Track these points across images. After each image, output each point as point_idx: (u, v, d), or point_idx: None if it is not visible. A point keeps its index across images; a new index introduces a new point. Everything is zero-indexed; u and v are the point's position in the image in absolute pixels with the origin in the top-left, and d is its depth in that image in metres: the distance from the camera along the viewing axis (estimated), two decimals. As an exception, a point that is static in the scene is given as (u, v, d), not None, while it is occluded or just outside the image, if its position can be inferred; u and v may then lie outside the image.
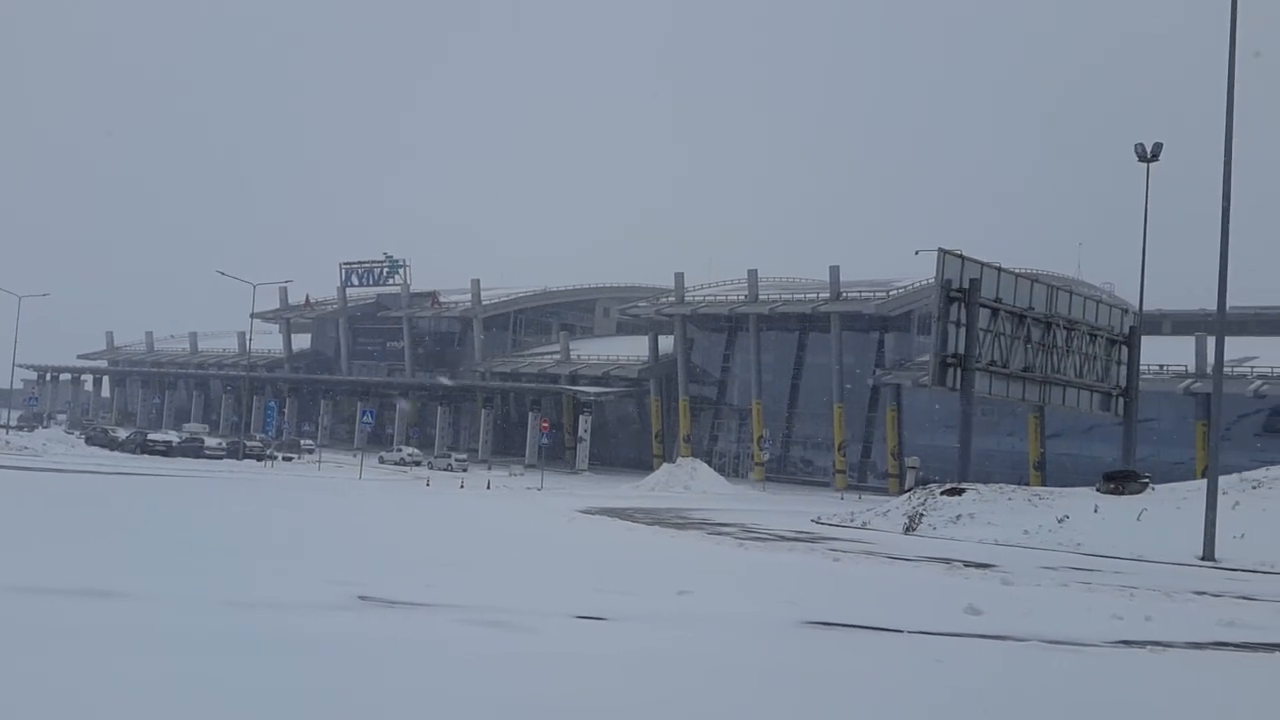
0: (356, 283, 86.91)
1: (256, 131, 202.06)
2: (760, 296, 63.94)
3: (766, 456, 60.75)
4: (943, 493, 30.04)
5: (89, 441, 57.47)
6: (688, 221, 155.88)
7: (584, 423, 65.64)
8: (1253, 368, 49.92)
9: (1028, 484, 42.43)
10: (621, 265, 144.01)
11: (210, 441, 57.40)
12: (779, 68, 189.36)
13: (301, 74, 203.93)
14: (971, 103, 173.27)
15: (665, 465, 55.55)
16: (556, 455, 68.50)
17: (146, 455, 50.11)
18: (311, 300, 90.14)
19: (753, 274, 64.39)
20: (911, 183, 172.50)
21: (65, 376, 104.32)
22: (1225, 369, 25.96)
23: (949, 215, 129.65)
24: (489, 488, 43.40)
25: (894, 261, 58.54)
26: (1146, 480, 29.58)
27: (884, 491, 53.67)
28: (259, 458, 54.38)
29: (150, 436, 56.04)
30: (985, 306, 34.45)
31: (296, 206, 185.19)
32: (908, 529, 28.00)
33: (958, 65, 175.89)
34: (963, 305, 33.49)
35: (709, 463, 58.45)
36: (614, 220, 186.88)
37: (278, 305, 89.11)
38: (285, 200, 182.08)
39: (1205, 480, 23.77)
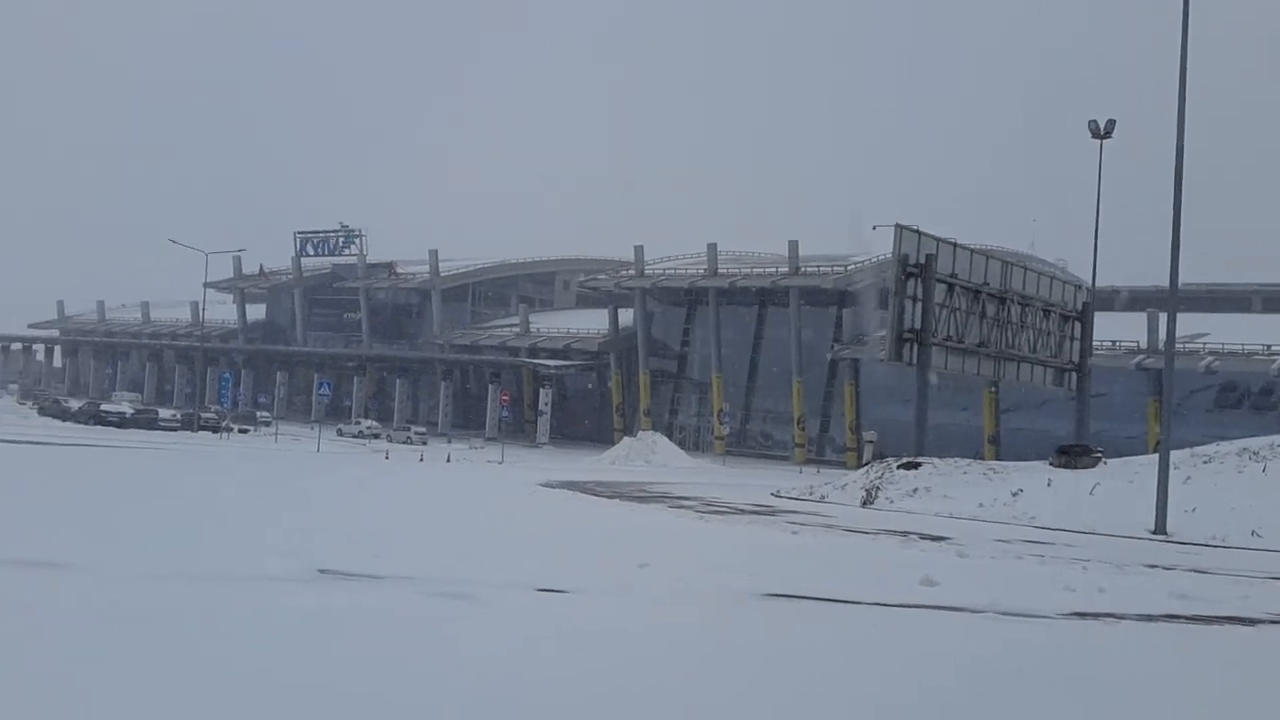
0: (312, 252, 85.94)
1: (210, 102, 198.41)
2: (720, 270, 64.04)
3: (727, 430, 61.02)
4: (899, 466, 30.28)
5: (41, 412, 56.65)
6: (649, 197, 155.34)
7: (544, 396, 65.59)
8: (1204, 344, 50.72)
9: (983, 458, 42.95)
10: (580, 239, 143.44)
11: (164, 413, 56.71)
12: (740, 44, 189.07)
13: (258, 48, 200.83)
14: (928, 80, 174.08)
15: (626, 439, 55.73)
16: (517, 429, 68.36)
17: (99, 426, 49.40)
18: (266, 270, 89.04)
19: (712, 248, 64.46)
20: (871, 161, 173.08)
21: (16, 346, 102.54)
22: (1177, 345, 26.31)
23: (907, 193, 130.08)
24: (449, 461, 43.21)
25: (857, 239, 58.81)
26: (1099, 455, 29.96)
27: (842, 465, 54.09)
28: (214, 429, 53.83)
29: (103, 407, 55.28)
30: (942, 282, 34.67)
31: (250, 178, 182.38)
32: (865, 502, 28.19)
33: (918, 43, 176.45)
34: (919, 280, 33.68)
35: (670, 436, 58.70)
36: (572, 194, 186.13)
37: (231, 275, 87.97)
38: (238, 172, 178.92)
39: (1157, 455, 24.12)
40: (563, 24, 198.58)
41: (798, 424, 60.86)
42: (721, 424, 61.22)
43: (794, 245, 60.79)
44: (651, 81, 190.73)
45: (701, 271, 64.71)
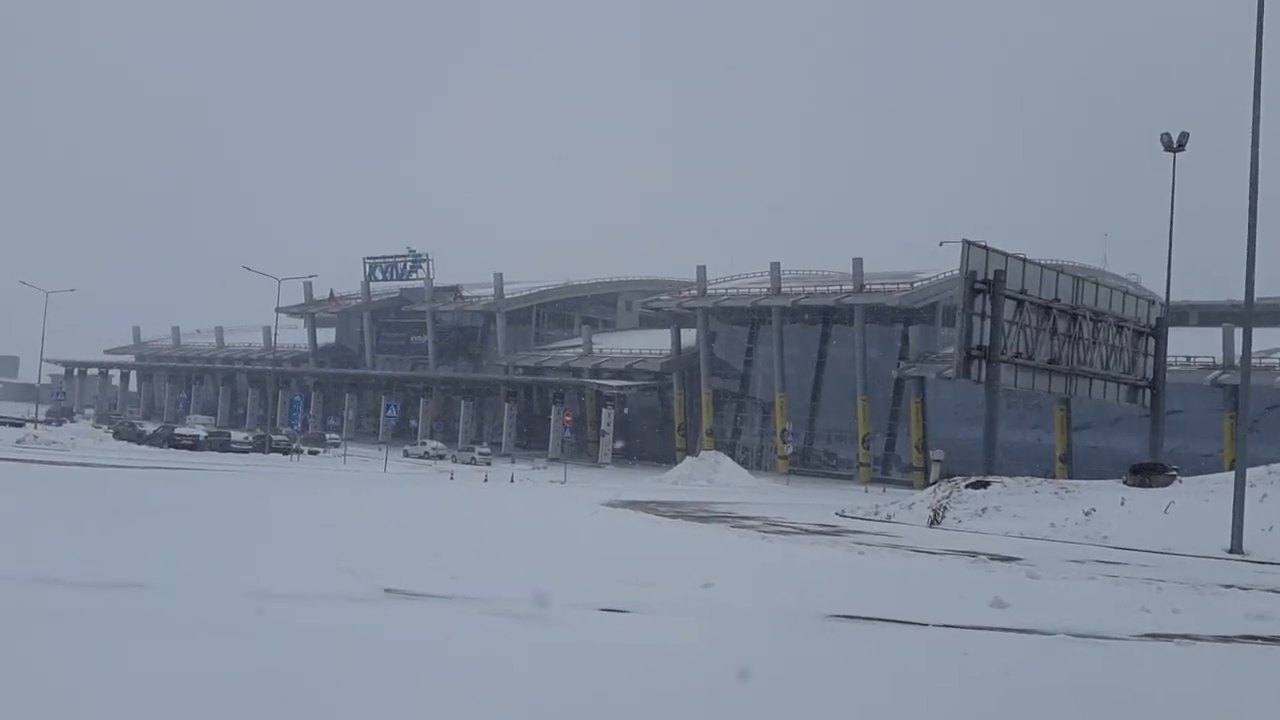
0: (380, 277, 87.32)
1: (279, 134, 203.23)
2: (783, 289, 63.89)
3: (790, 450, 60.64)
4: (968, 486, 29.88)
5: (117, 436, 57.99)
6: (711, 216, 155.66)
7: (607, 416, 65.76)
8: (1281, 359, 49.40)
9: (1054, 477, 42.16)
10: (642, 259, 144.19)
11: (237, 435, 57.78)
12: (788, 55, 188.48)
13: (315, 81, 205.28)
14: (996, 91, 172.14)
15: (688, 459, 55.64)
16: (580, 449, 68.54)
17: (174, 449, 50.50)
18: (336, 295, 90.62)
19: (775, 267, 64.32)
20: (936, 174, 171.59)
21: (93, 371, 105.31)
22: (1253, 360, 25.69)
23: (973, 206, 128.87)
24: (513, 481, 43.60)
25: (919, 253, 58.33)
26: (1174, 473, 29.28)
27: (908, 485, 53.47)
28: (285, 451, 54.73)
29: (177, 431, 56.47)
30: (1010, 298, 34.22)
31: (319, 206, 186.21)
32: (932, 522, 27.86)
33: (982, 50, 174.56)
34: (987, 297, 33.28)
35: (732, 456, 58.48)
36: (631, 215, 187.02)
37: (302, 300, 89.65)
38: (307, 200, 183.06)
39: (1233, 472, 23.51)
40: (610, 45, 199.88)
41: (862, 443, 60.29)
42: (785, 443, 60.83)
43: (858, 263, 60.42)
44: (709, 100, 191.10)
45: (764, 290, 64.59)
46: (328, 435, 68.16)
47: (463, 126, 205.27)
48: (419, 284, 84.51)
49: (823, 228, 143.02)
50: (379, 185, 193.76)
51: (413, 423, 76.09)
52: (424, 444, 64.72)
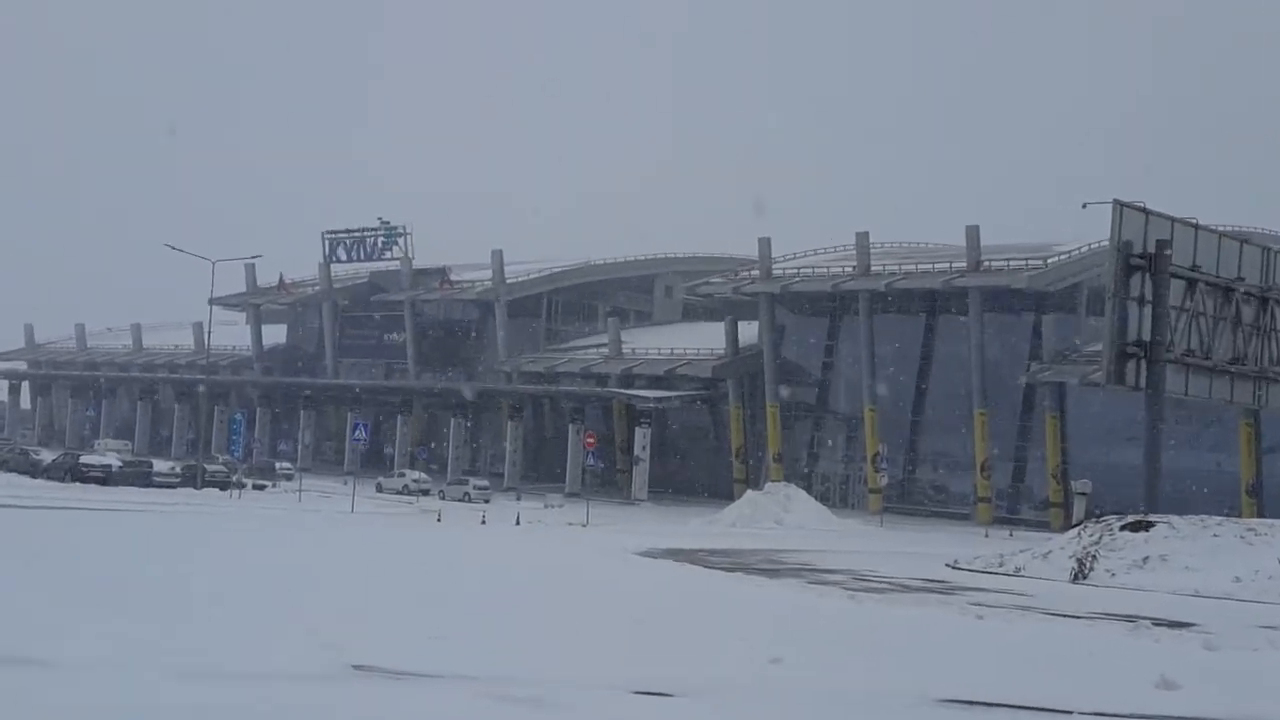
0: (344, 258, 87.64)
1: (212, 89, 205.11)
2: (873, 268, 63.48)
3: (884, 480, 60.27)
4: (1123, 527, 29.65)
5: (4, 467, 58.61)
6: (772, 181, 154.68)
7: (641, 437, 65.63)
8: None
9: (1239, 514, 41.67)
10: (687, 234, 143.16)
11: (161, 466, 58.13)
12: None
13: (258, 28, 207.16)
14: (1151, 25, 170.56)
15: (749, 493, 55.37)
16: (606, 481, 68.32)
17: (79, 484, 50.93)
18: (287, 281, 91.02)
19: (862, 238, 63.88)
20: (1067, 124, 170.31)
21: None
22: None
23: (1114, 172, 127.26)
24: (519, 523, 43.51)
25: (1050, 222, 57.84)
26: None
27: (1043, 526, 52.94)
28: (223, 486, 54.97)
29: (83, 460, 56.92)
30: (1178, 277, 33.91)
31: (265, 174, 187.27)
32: (1076, 576, 27.68)
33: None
34: (1147, 275, 32.99)
35: (808, 489, 58.15)
36: (672, 182, 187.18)
37: (244, 289, 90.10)
38: (251, 168, 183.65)
39: None
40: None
41: (981, 471, 59.87)
42: (877, 472, 60.43)
43: (973, 232, 59.92)
44: (779, 42, 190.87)
45: (848, 270, 64.25)
46: (278, 465, 68.52)
47: (432, 79, 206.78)
48: (394, 265, 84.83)
49: (919, 197, 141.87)
50: (340, 152, 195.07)
51: (388, 448, 76.50)
52: (402, 475, 64.86)
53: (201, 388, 74.52)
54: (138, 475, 54.25)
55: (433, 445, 77.58)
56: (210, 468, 58.36)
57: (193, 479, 55.36)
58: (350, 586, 18.61)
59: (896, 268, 63.34)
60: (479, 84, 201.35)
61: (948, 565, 30.44)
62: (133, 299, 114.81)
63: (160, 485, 53.17)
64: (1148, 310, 33.05)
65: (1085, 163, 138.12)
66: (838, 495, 64.44)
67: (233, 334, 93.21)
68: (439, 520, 43.10)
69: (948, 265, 61.23)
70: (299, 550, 25.44)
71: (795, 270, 66.57)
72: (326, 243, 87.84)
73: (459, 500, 57.74)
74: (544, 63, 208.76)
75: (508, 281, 78.99)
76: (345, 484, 55.21)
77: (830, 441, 67.86)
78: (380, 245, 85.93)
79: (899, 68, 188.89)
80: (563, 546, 31.64)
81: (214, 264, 59.04)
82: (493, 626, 14.15)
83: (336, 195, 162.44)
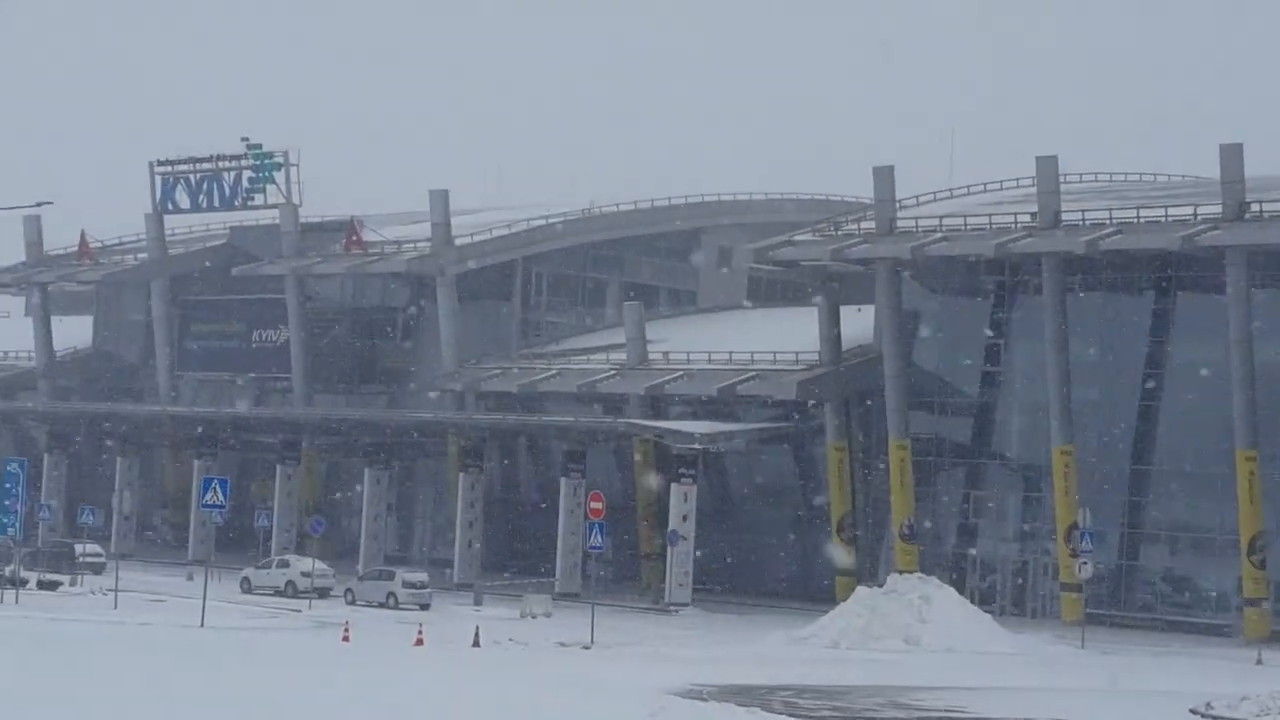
0: (188, 205, 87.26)
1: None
2: (1064, 216, 62.83)
3: (1087, 571, 59.44)
4: None
5: None
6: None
7: (681, 500, 65.14)
8: None
9: None
10: (744, 172, 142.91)
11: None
12: None
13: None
14: None
15: (862, 591, 55.00)
16: (623, 573, 68.06)
17: None
18: (92, 244, 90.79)
19: (1047, 166, 63.30)
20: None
21: None
22: None
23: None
24: (477, 644, 43.66)
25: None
26: None
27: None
28: (-9, 584, 54.65)
29: None
30: None
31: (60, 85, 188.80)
32: None
33: None
34: None
35: (958, 585, 58.32)
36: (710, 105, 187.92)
37: (23, 259, 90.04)
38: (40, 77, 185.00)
39: None
40: None
41: (1249, 555, 59.17)
42: (1075, 557, 59.60)
43: (1233, 155, 59.07)
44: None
45: (1022, 221, 64.09)
46: (79, 547, 67.94)
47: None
48: (270, 217, 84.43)
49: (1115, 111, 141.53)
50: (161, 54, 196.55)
51: (261, 519, 75.61)
52: (285, 564, 64.48)
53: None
54: None
55: (336, 513, 77.11)
56: (-32, 554, 58.03)
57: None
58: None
59: (1105, 215, 62.78)
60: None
61: (1194, 712, 30.64)
62: None
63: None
64: None
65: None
66: (1009, 595, 64.61)
67: (4, 331, 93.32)
68: (346, 639, 42.99)
69: (1190, 211, 60.75)
70: None
71: (935, 222, 66.14)
72: (158, 180, 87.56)
73: (380, 605, 57.45)
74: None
75: (457, 242, 78.53)
76: (190, 579, 54.75)
77: (995, 506, 67.63)
78: (246, 185, 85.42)
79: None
80: (550, 688, 31.30)
81: (-29, 215, 58.78)
82: None
83: (174, 118, 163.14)
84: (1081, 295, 63.80)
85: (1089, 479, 62.17)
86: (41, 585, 57.07)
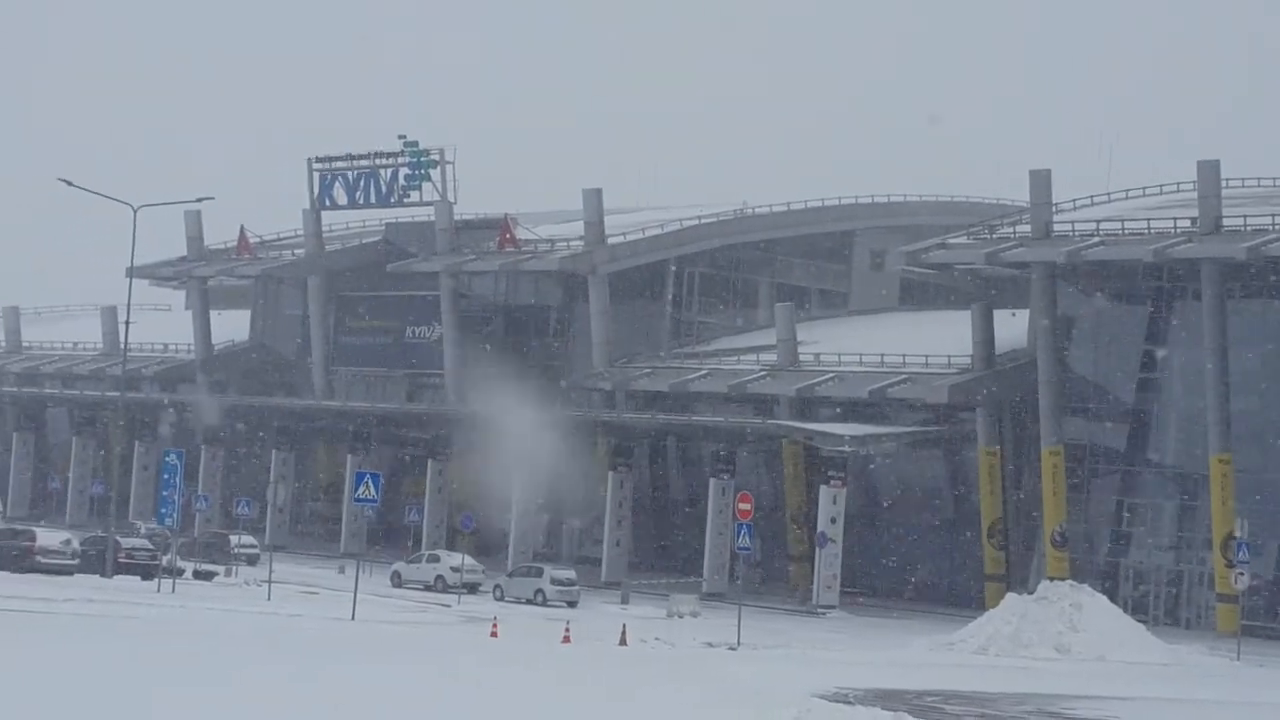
0: (344, 202, 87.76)
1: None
2: (1225, 222, 62.06)
3: (1245, 582, 58.57)
4: None
5: None
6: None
7: (831, 503, 64.76)
8: None
9: None
10: (901, 169, 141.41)
11: (48, 537, 58.12)
12: None
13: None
14: None
15: (1012, 598, 54.35)
16: (772, 573, 67.59)
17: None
18: (251, 240, 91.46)
19: (1208, 171, 62.45)
20: None
21: None
22: None
23: None
24: (624, 643, 43.40)
25: None
26: None
27: None
28: (147, 573, 54.81)
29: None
30: None
31: (224, 88, 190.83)
32: None
33: None
34: None
35: (1111, 593, 57.45)
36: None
37: (184, 253, 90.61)
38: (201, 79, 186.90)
39: None
40: None
41: None
42: (1232, 567, 58.71)
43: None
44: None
45: (1182, 227, 62.97)
46: (234, 538, 68.30)
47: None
48: (425, 215, 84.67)
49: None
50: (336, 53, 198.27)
51: (412, 515, 75.82)
52: (435, 559, 64.54)
53: (114, 411, 74.71)
54: (8, 553, 54.23)
55: (484, 510, 77.10)
56: (127, 542, 58.31)
57: (99, 560, 55.24)
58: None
59: (1269, 221, 61.94)
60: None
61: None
62: (5, 272, 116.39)
63: (46, 570, 53.15)
64: None
65: None
66: (1162, 605, 63.55)
67: (165, 324, 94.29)
68: (495, 634, 42.86)
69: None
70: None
71: (1092, 226, 65.40)
72: (316, 177, 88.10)
73: (527, 601, 57.44)
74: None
75: (610, 241, 78.48)
76: (342, 572, 54.88)
77: (1149, 514, 66.67)
78: (403, 182, 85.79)
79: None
80: (694, 688, 30.89)
81: (135, 211, 59.09)
82: None
83: (332, 115, 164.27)
84: (1241, 301, 62.86)
85: (1247, 489, 61.26)
86: (197, 575, 57.34)
